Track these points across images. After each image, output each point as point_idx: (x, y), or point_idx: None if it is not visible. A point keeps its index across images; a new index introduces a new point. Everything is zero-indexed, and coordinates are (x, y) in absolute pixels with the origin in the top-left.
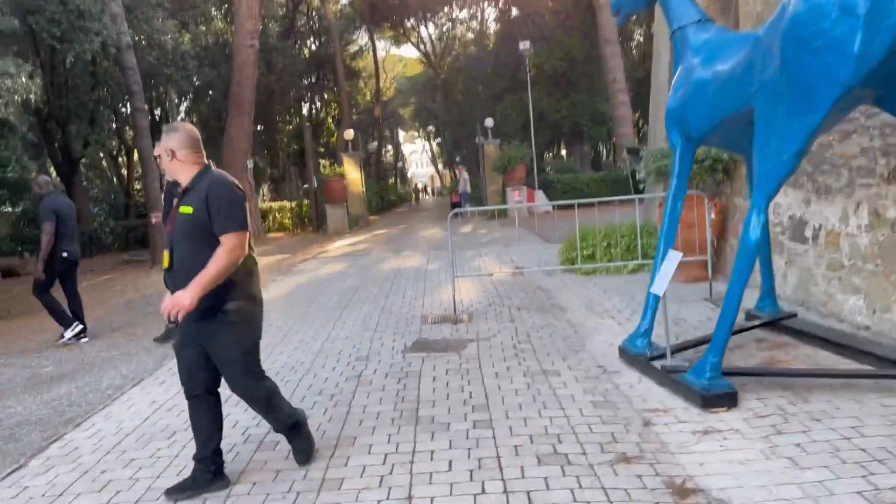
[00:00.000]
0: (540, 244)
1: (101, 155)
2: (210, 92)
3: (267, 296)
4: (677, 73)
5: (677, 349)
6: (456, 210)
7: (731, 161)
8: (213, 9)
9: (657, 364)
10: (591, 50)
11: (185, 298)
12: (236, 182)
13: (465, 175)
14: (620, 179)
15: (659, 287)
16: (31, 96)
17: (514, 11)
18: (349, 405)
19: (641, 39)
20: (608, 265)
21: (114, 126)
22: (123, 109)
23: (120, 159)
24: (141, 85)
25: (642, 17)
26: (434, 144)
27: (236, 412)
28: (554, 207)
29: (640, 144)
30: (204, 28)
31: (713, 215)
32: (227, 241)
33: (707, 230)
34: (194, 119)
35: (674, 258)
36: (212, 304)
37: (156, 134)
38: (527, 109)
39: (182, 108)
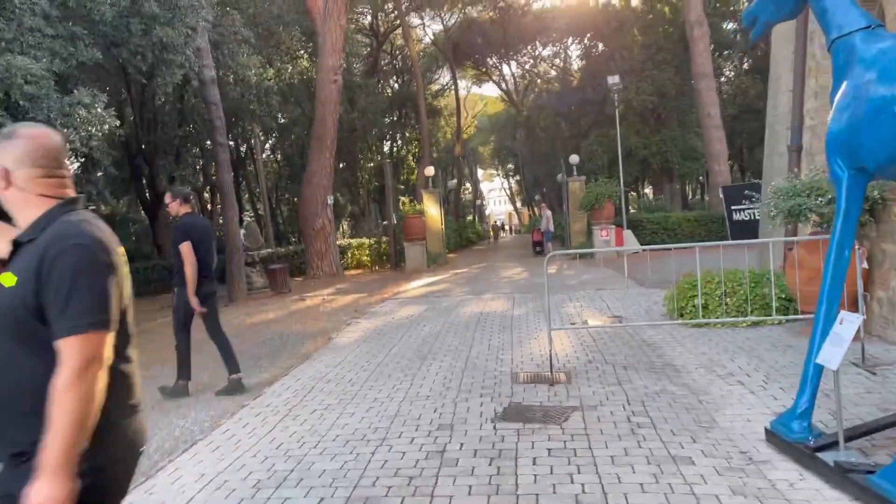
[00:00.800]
0: (634, 288)
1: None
2: (294, 129)
3: (342, 341)
4: (842, 90)
5: (849, 436)
6: (551, 252)
7: (879, 199)
8: (298, 46)
9: (827, 458)
10: (682, 84)
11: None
12: (103, 237)
13: (548, 213)
14: (715, 219)
15: (831, 358)
16: (106, 127)
17: (601, 46)
18: (431, 495)
19: (732, 75)
20: (726, 320)
21: (199, 162)
22: (209, 145)
23: (205, 195)
24: (223, 120)
25: (733, 53)
26: (513, 182)
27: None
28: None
29: (748, 181)
30: (290, 66)
31: (864, 263)
32: (72, 354)
33: (858, 281)
34: (278, 156)
35: (852, 322)
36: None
37: (238, 169)
38: (613, 145)
39: (267, 144)
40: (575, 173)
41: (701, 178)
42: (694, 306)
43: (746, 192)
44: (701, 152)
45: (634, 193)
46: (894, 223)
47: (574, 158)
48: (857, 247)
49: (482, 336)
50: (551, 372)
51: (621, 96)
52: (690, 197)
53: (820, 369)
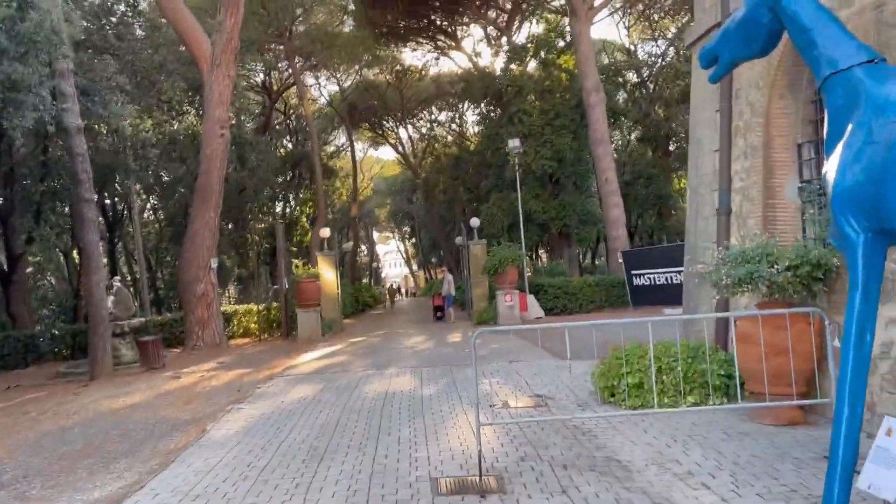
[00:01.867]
0: (549, 360)
1: (58, 251)
2: (178, 187)
3: (219, 434)
4: (849, 135)
5: None
6: (452, 318)
7: (834, 267)
8: (183, 98)
9: None
10: (580, 150)
11: None
12: None
13: (450, 277)
14: (616, 283)
15: (882, 483)
16: None
17: (500, 111)
18: None
19: (622, 142)
20: (668, 410)
21: (68, 220)
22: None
23: (74, 257)
24: (90, 174)
25: (622, 122)
26: (409, 245)
27: None
28: (546, 314)
29: (643, 245)
30: (173, 120)
31: (836, 341)
32: None
33: (830, 361)
34: (161, 215)
35: None
36: None
37: (115, 229)
38: (513, 209)
39: (149, 203)
40: (476, 236)
41: (591, 244)
42: (628, 384)
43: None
44: (598, 217)
45: (528, 258)
46: (845, 293)
47: (475, 221)
48: (827, 321)
49: (390, 424)
50: (480, 477)
51: (521, 160)
52: (583, 261)
53: (849, 487)
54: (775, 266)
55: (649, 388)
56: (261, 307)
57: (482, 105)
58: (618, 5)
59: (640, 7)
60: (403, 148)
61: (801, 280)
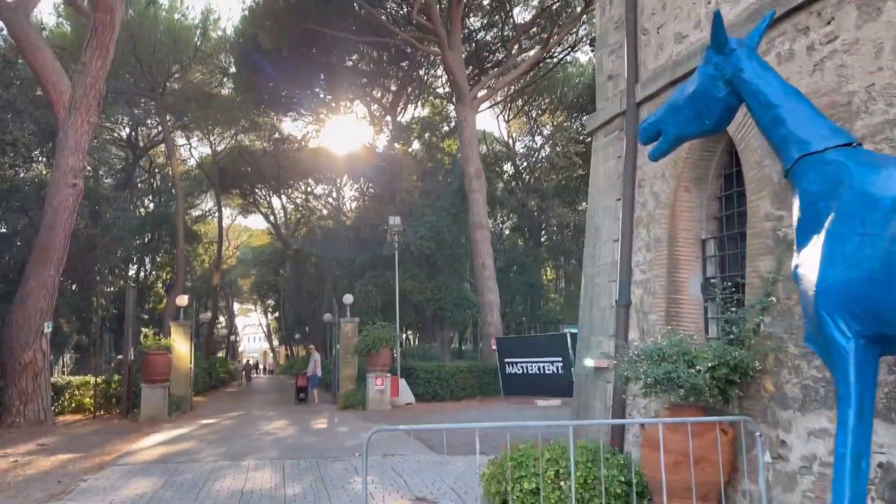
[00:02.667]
0: (428, 454)
1: None
2: (16, 240)
3: None
4: (831, 226)
5: None
6: (316, 402)
7: (750, 369)
8: (32, 143)
9: None
10: (458, 233)
11: None
12: None
13: (317, 356)
14: (488, 370)
15: None
16: None
17: (380, 188)
18: None
19: (497, 230)
20: None
21: None
22: None
23: None
24: None
25: (497, 210)
26: (271, 319)
27: None
28: (416, 400)
29: (514, 334)
30: (22, 172)
31: (767, 456)
32: None
33: (760, 475)
34: None
35: None
36: None
37: None
38: (388, 288)
39: None
40: (348, 314)
41: (463, 328)
42: (522, 490)
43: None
44: (472, 301)
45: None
46: (763, 400)
47: (348, 298)
48: (758, 433)
49: None
50: None
51: (400, 238)
52: (451, 345)
53: None
54: (694, 367)
55: (546, 496)
56: (100, 379)
57: (362, 181)
58: (499, 99)
59: (520, 103)
60: (275, 218)
61: (717, 383)
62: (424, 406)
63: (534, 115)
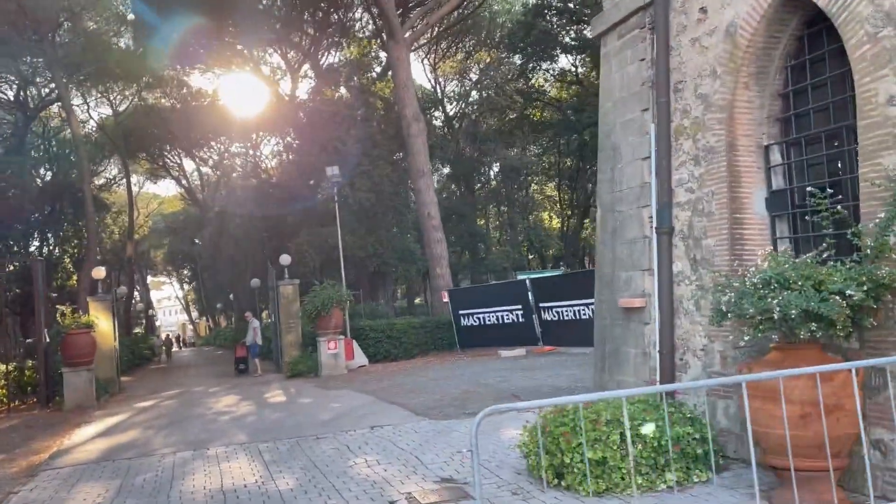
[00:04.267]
0: (420, 420)
1: None
2: None
3: None
4: None
5: None
6: (258, 371)
7: (871, 296)
8: None
9: None
10: (399, 183)
11: None
12: None
13: (256, 323)
14: (441, 324)
15: None
16: None
17: (311, 139)
18: None
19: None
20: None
21: None
22: None
23: None
24: None
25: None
26: (189, 289)
27: None
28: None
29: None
30: None
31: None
32: None
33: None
34: None
35: None
36: None
37: None
38: (326, 246)
39: None
40: (286, 276)
41: (409, 283)
42: (588, 460)
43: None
44: (417, 254)
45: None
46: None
47: (285, 259)
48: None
49: None
50: None
51: (339, 192)
52: (398, 301)
53: None
54: (828, 293)
55: (615, 465)
56: (10, 367)
57: (288, 133)
58: (429, 37)
59: (444, 46)
60: (188, 181)
61: (847, 314)
62: (380, 367)
63: (460, 58)
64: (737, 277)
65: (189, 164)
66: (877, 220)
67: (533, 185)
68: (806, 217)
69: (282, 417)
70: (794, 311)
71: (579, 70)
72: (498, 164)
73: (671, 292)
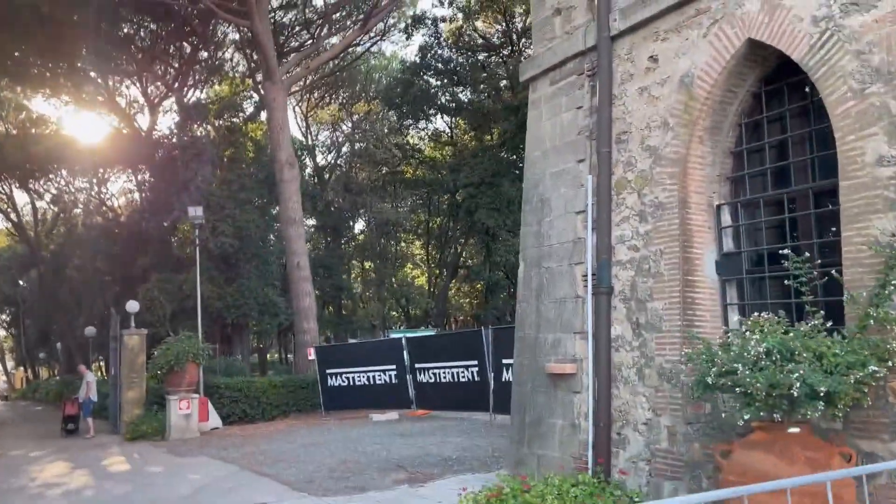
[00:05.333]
0: (295, 498)
1: None
2: None
3: None
4: None
5: None
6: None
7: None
8: None
9: None
10: (266, 230)
11: None
12: None
13: (91, 377)
14: (305, 384)
15: None
16: None
17: (166, 179)
18: None
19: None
20: None
21: None
22: None
23: None
24: None
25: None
26: (6, 336)
27: None
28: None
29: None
30: None
31: None
32: None
33: None
34: None
35: None
36: None
37: None
38: (180, 294)
39: None
40: (133, 325)
41: (270, 338)
42: None
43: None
44: (280, 307)
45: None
46: (892, 408)
47: (133, 306)
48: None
49: None
50: None
51: (200, 235)
52: (254, 357)
53: None
54: (827, 369)
55: None
56: None
57: (143, 171)
58: (304, 83)
59: (316, 95)
60: (18, 215)
61: (847, 392)
62: (237, 430)
63: (333, 109)
64: (719, 346)
65: (22, 197)
66: (870, 289)
67: (402, 241)
68: (762, 281)
69: (129, 492)
70: (783, 390)
71: (455, 132)
72: (372, 217)
73: (609, 358)
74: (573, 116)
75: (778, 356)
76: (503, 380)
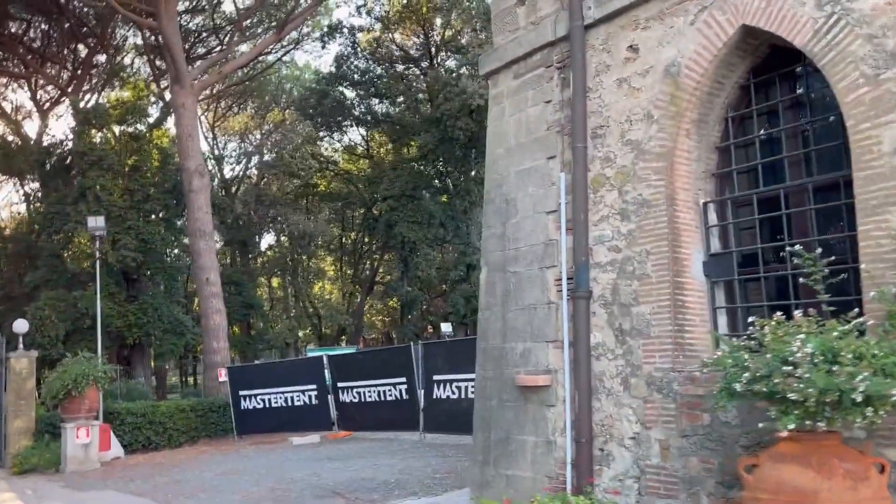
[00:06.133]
0: None
1: None
2: None
3: None
4: None
5: None
6: None
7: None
8: None
9: None
10: (173, 243)
11: None
12: None
13: None
14: (216, 407)
15: None
16: None
17: (59, 187)
18: None
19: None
20: None
21: None
22: None
23: None
24: None
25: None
26: None
27: None
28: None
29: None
30: None
31: None
32: None
33: None
34: None
35: None
36: None
37: None
38: (73, 312)
39: None
40: (21, 346)
41: (176, 358)
42: None
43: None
44: (186, 326)
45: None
46: None
47: (21, 325)
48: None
49: None
50: None
51: (101, 248)
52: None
53: None
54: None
55: None
56: None
57: (31, 181)
58: (214, 91)
59: (223, 105)
60: None
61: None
62: (142, 459)
63: (243, 119)
64: (746, 350)
65: None
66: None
67: (315, 257)
68: (747, 283)
69: None
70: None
71: (370, 144)
72: (287, 229)
73: (589, 368)
74: (541, 111)
75: (821, 358)
76: (434, 397)
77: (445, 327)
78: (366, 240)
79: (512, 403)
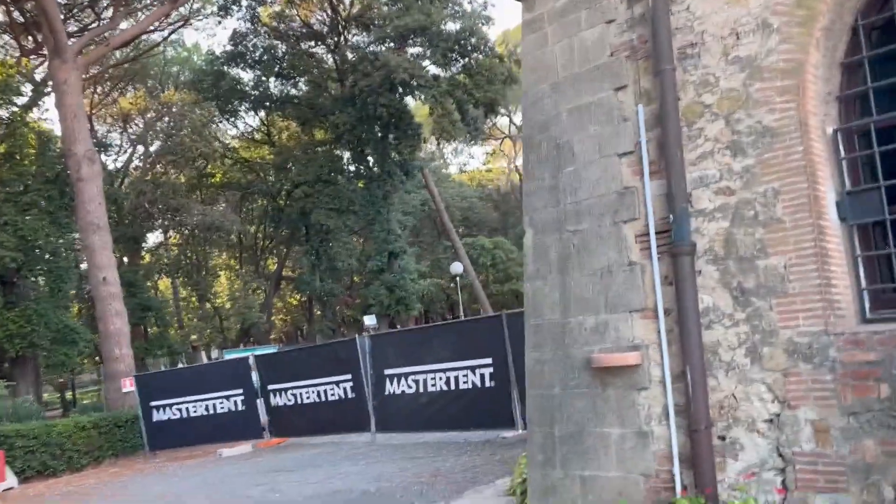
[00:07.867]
0: None
1: None
2: None
3: None
4: None
5: None
6: None
7: None
8: None
9: None
10: (60, 240)
11: None
12: None
13: None
14: (123, 423)
15: None
16: None
17: None
18: None
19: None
20: None
21: None
22: None
23: None
24: None
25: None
26: None
27: None
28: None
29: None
30: None
31: None
32: None
33: None
34: None
35: None
36: None
37: None
38: None
39: None
40: None
41: (70, 370)
42: None
43: None
44: (81, 333)
45: None
46: None
47: None
48: None
49: None
50: None
51: None
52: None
53: None
54: None
55: None
56: None
57: None
58: (95, 69)
59: (103, 89)
60: None
61: None
62: (42, 487)
63: (135, 99)
64: None
65: None
66: None
67: (215, 251)
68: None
69: None
70: None
71: (271, 129)
72: (188, 221)
73: (700, 339)
74: (601, 33)
75: None
76: (387, 393)
77: (369, 320)
78: (267, 232)
79: (584, 390)
